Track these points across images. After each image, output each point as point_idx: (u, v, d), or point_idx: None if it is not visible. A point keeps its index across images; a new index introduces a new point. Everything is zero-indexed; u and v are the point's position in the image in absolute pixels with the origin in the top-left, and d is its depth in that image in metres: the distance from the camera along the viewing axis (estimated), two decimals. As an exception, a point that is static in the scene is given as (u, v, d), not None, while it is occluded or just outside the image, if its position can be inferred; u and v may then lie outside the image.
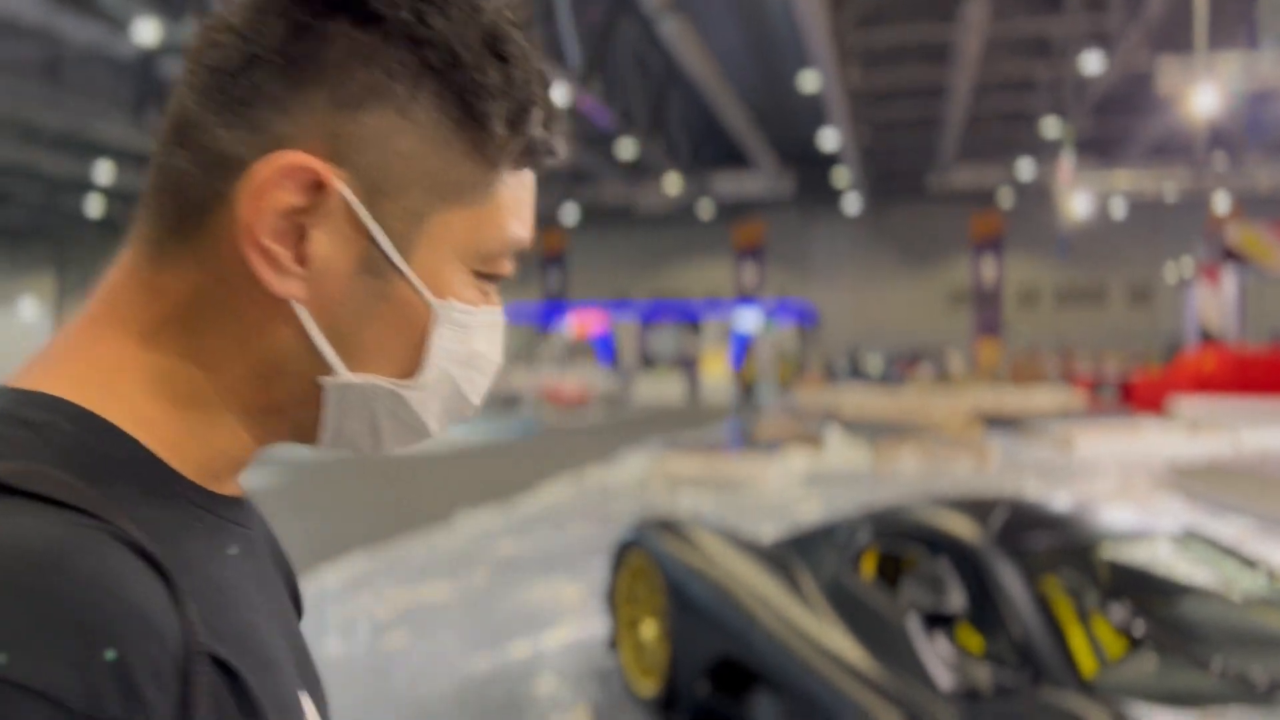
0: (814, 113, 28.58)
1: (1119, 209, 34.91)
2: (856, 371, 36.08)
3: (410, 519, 9.74)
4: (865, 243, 44.70)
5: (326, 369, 0.60)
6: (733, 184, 38.23)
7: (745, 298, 41.51)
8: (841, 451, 14.26)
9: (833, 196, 41.06)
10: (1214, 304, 28.19)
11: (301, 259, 0.57)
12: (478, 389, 0.66)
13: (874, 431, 15.55)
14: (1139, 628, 3.01)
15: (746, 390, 26.74)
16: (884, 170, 37.73)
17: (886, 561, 4.07)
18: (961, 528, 3.54)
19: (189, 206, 0.58)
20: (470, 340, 0.63)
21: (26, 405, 0.54)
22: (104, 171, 32.36)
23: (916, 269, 44.33)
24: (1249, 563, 3.54)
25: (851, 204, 40.63)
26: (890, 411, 20.70)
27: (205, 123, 0.57)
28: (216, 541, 0.58)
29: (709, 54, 22.44)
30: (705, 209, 41.54)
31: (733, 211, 43.93)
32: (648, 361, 40.57)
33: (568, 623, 6.08)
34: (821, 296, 44.88)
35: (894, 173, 38.16)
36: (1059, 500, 3.97)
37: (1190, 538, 3.56)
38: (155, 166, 0.60)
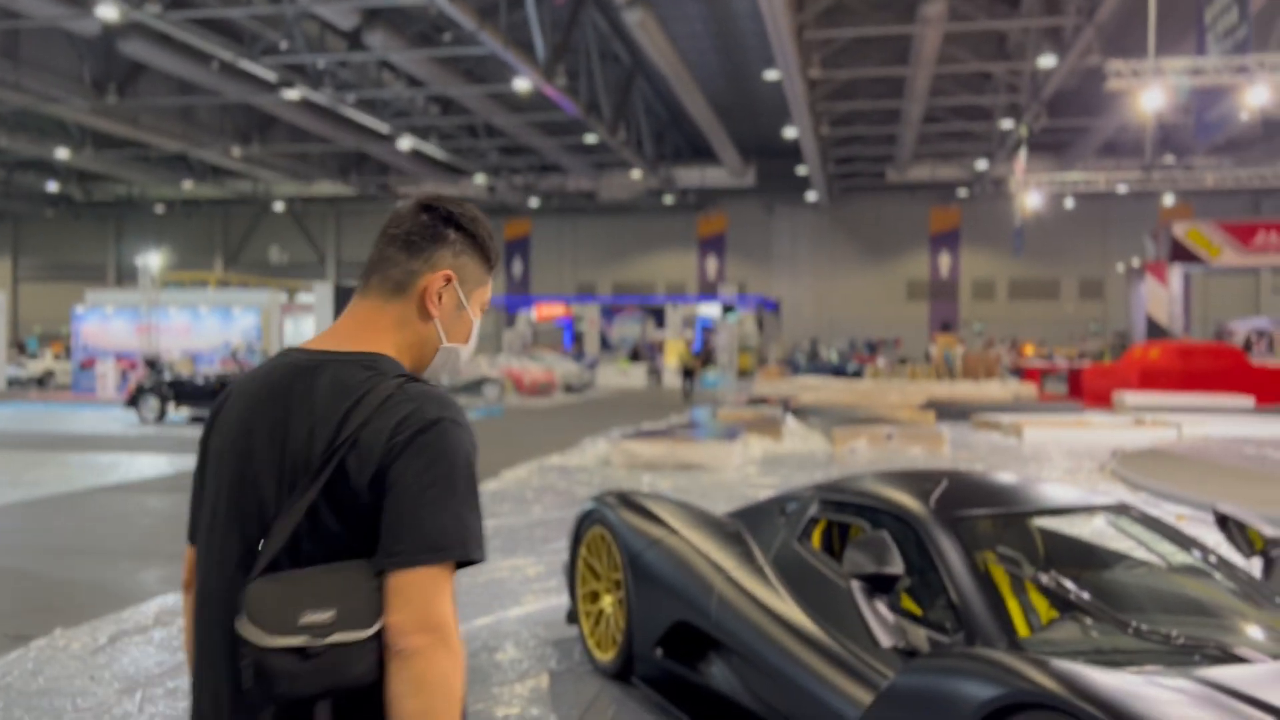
0: (776, 106, 28.88)
1: (1071, 205, 35.59)
2: (815, 361, 36.51)
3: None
4: (826, 235, 45.18)
5: (441, 342, 1.68)
6: (696, 175, 38.50)
7: (708, 293, 41.75)
8: (799, 437, 14.56)
9: (794, 189, 41.45)
10: (1162, 299, 28.90)
11: (438, 305, 1.65)
12: (465, 363, 1.77)
13: (831, 419, 15.87)
14: (1070, 594, 3.27)
15: (690, 376, 26.97)
16: (845, 164, 38.15)
17: (833, 532, 4.31)
18: (904, 499, 3.78)
19: (404, 283, 1.64)
20: (471, 345, 1.74)
21: (375, 359, 1.58)
22: (63, 151, 31.90)
23: (876, 261, 44.90)
24: (1176, 535, 3.81)
25: (812, 197, 41.04)
26: (847, 400, 21.08)
27: (399, 258, 1.65)
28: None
29: (673, 46, 22.62)
30: (669, 200, 41.74)
31: (696, 203, 44.21)
32: (611, 349, 40.73)
33: (529, 599, 6.27)
34: (782, 288, 45.32)
35: (854, 167, 38.60)
36: (998, 475, 4.22)
37: (1122, 512, 3.82)
38: (380, 266, 1.65)
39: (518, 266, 47.68)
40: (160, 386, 19.15)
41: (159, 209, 46.88)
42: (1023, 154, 28.74)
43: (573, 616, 5.18)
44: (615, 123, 28.54)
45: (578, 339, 41.92)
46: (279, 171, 36.92)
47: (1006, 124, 28.86)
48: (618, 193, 41.02)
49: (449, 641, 1.40)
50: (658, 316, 40.87)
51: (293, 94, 24.57)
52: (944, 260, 44.41)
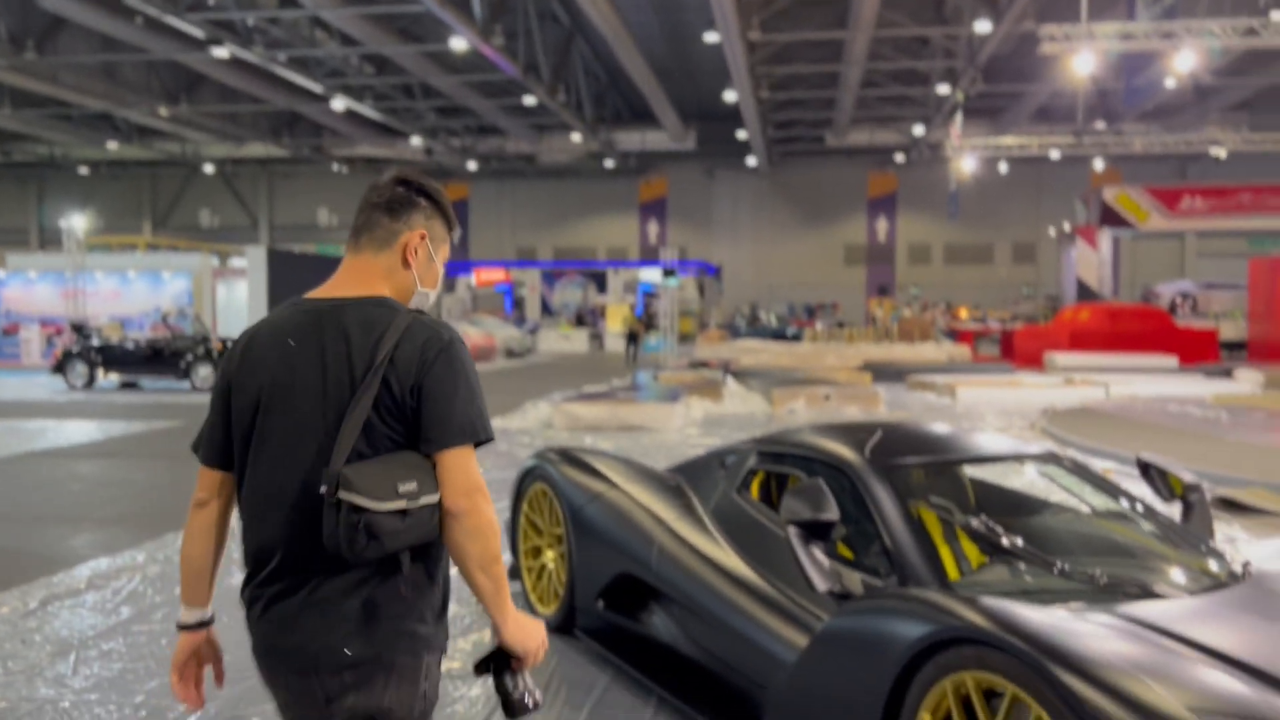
0: (716, 69, 28.80)
1: (1005, 170, 36.15)
2: (755, 325, 36.78)
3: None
4: (766, 200, 45.36)
5: (416, 287, 2.08)
6: (636, 139, 38.32)
7: (650, 258, 41.73)
8: (739, 399, 14.70)
9: (735, 153, 41.47)
10: (1092, 262, 29.57)
11: (415, 257, 2.06)
12: (430, 303, 2.12)
13: (770, 381, 16.03)
14: (1000, 538, 3.36)
15: (634, 341, 27.04)
16: (784, 128, 38.24)
17: (771, 483, 4.37)
18: (839, 449, 3.85)
19: (388, 240, 2.05)
20: (440, 285, 2.16)
21: (384, 300, 2.01)
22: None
23: (814, 226, 45.21)
24: (1102, 483, 3.93)
25: (753, 161, 41.12)
26: (786, 362, 21.29)
27: (385, 220, 2.06)
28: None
29: (612, 6, 22.40)
30: (610, 164, 41.52)
31: (637, 168, 44.04)
32: (552, 314, 40.59)
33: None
34: (723, 253, 45.46)
35: (794, 131, 38.71)
36: (931, 425, 4.31)
37: (1051, 460, 3.93)
38: (368, 228, 2.06)
39: (456, 230, 47.18)
40: (88, 352, 18.68)
41: (83, 170, 45.44)
42: (958, 119, 29.08)
43: (514, 572, 5.20)
44: (554, 84, 28.25)
45: (518, 304, 41.67)
46: (209, 132, 35.97)
47: (943, 89, 29.14)
48: (558, 156, 40.71)
49: (486, 496, 1.91)
50: (599, 281, 40.78)
51: (221, 52, 23.90)
52: (881, 225, 44.89)
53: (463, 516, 1.88)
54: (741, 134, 36.67)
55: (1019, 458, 3.90)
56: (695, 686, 3.79)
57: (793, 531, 3.33)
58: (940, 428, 4.24)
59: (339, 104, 30.06)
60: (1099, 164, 33.67)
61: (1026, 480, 4.16)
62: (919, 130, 35.46)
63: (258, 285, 24.34)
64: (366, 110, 31.40)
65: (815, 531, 3.32)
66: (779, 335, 32.27)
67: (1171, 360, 22.17)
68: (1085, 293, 29.49)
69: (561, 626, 4.67)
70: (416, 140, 36.94)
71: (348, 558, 1.82)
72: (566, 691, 4.11)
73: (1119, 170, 38.28)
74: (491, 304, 40.32)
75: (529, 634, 1.97)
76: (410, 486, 1.85)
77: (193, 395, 17.57)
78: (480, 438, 1.94)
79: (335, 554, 1.83)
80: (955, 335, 29.52)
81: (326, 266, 30.05)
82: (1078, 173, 39.94)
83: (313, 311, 2.00)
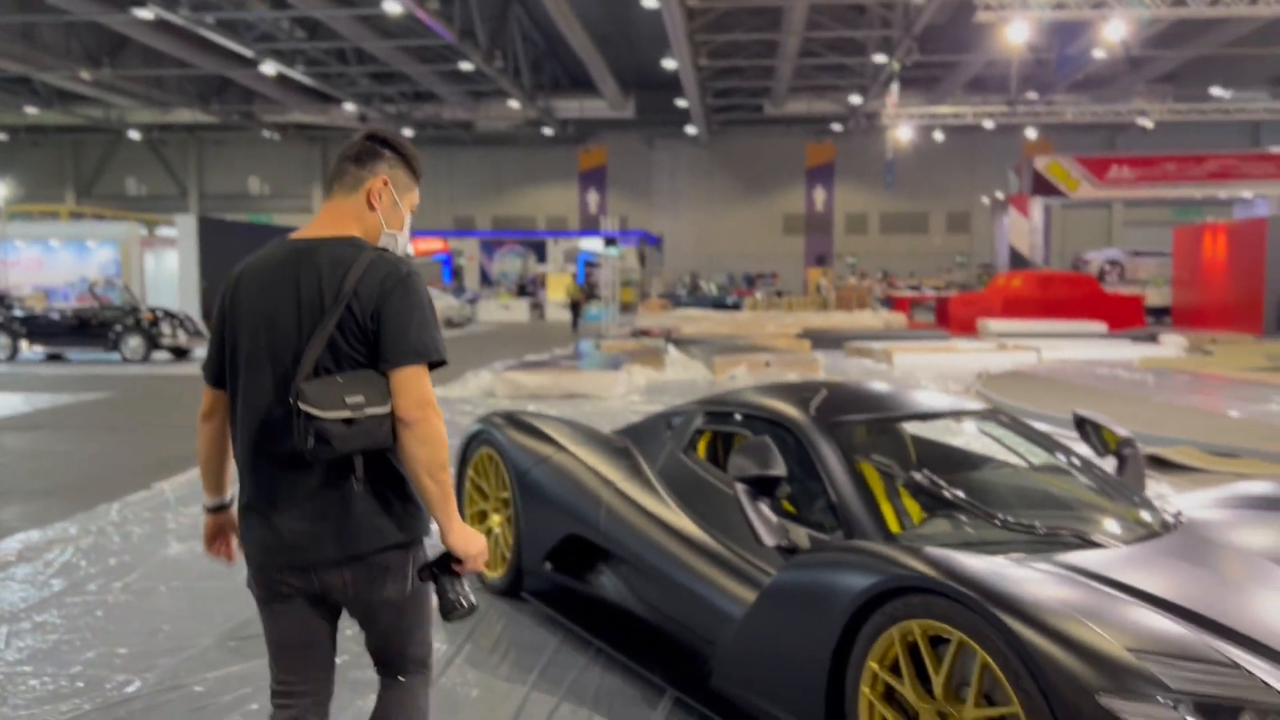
0: (655, 35, 28.64)
1: (941, 139, 36.57)
2: (696, 295, 36.90)
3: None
4: (705, 169, 45.36)
5: (383, 229, 2.35)
6: (575, 107, 38.00)
7: (590, 228, 41.54)
8: (681, 366, 14.75)
9: (674, 122, 41.35)
10: (1024, 230, 30.11)
11: (379, 201, 2.34)
12: (404, 247, 2.39)
13: (711, 348, 16.10)
14: (942, 491, 3.41)
15: (576, 310, 27.02)
16: (723, 97, 38.20)
17: (717, 443, 4.40)
18: (785, 408, 3.88)
19: (355, 185, 2.33)
20: (407, 237, 2.43)
21: (354, 240, 2.29)
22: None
23: (754, 196, 45.38)
24: (1039, 437, 4.01)
25: (692, 130, 41.05)
26: (727, 330, 21.41)
27: (352, 169, 2.34)
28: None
29: (550, -30, 22.11)
30: (548, 132, 41.14)
31: (576, 136, 43.71)
32: (491, 284, 40.26)
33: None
34: (663, 222, 45.43)
35: (733, 100, 38.70)
36: (874, 384, 4.36)
37: (989, 417, 4.00)
38: (338, 176, 2.35)
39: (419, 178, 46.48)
40: (10, 323, 18.10)
41: (0, 136, 43.81)
42: (895, 89, 29.31)
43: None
44: (491, 50, 27.86)
45: (457, 274, 41.25)
46: (134, 97, 34.87)
47: (879, 59, 29.33)
48: (495, 123, 40.23)
49: (436, 410, 2.18)
50: (539, 251, 40.51)
51: (145, 13, 23.12)
52: (819, 195, 45.19)
53: (414, 425, 2.15)
54: (681, 102, 36.57)
55: (959, 414, 3.96)
56: (644, 644, 3.81)
57: (740, 488, 3.35)
58: (882, 387, 4.29)
59: (270, 69, 29.33)
60: (1031, 133, 34.22)
61: (965, 438, 4.23)
62: (856, 100, 35.68)
63: (189, 255, 23.74)
64: (298, 75, 30.68)
65: (763, 488, 3.35)
66: (719, 304, 32.41)
67: (1100, 326, 22.73)
68: (1018, 260, 30.04)
69: (509, 590, 4.66)
70: (350, 106, 36.22)
71: (308, 458, 2.15)
72: (516, 654, 4.10)
73: (1050, 140, 38.94)
74: (429, 274, 39.86)
75: (469, 540, 2.22)
76: (358, 399, 2.14)
77: (124, 367, 17.13)
78: (432, 358, 2.21)
79: (302, 455, 2.14)
80: (892, 303, 29.91)
81: (260, 235, 29.47)
82: (1010, 142, 40.57)
83: (292, 249, 2.30)
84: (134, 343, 17.77)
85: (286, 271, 2.26)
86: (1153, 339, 20.76)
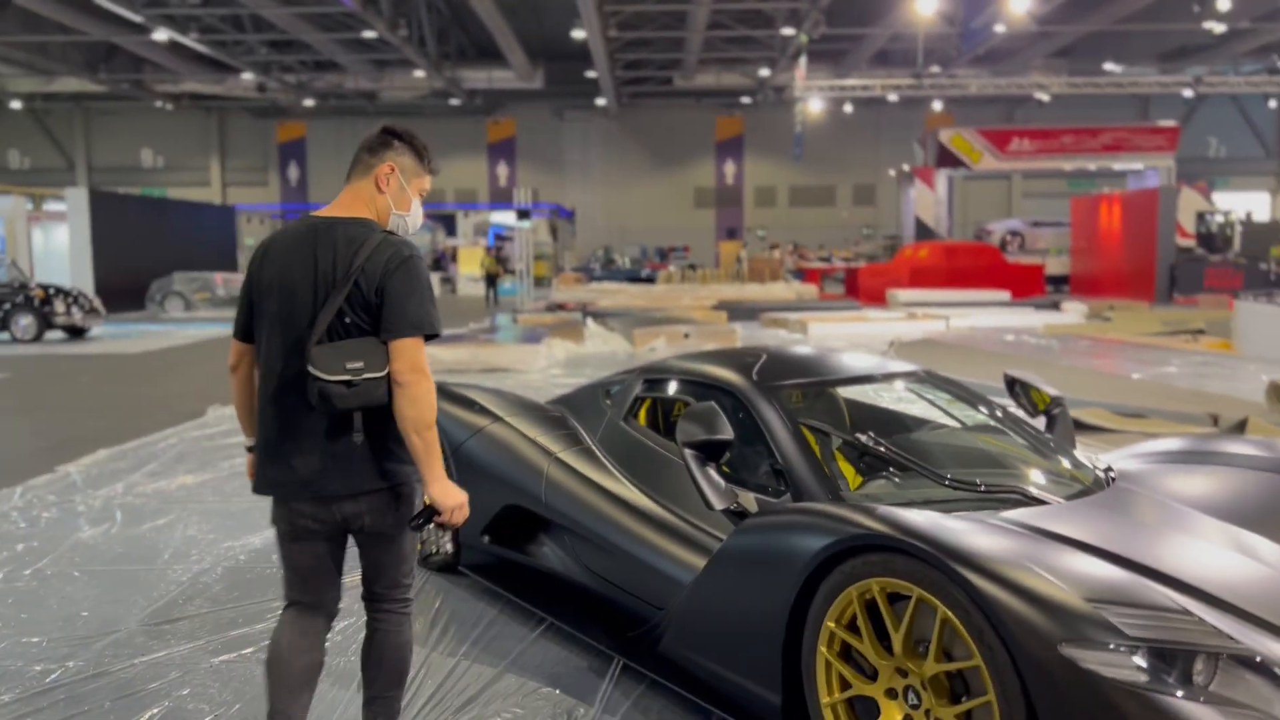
0: (564, 5, 28.29)
1: (847, 113, 37.05)
2: (610, 268, 36.82)
3: (161, 416, 9.28)
4: (616, 142, 45.16)
5: (392, 210, 2.69)
6: (483, 77, 37.39)
7: (500, 200, 41.04)
8: (600, 339, 14.70)
9: (584, 94, 41.03)
10: (929, 202, 30.75)
11: (387, 185, 2.67)
12: (414, 227, 2.77)
13: (630, 321, 16.08)
14: (885, 452, 3.44)
15: (493, 283, 26.73)
16: (633, 69, 38.04)
17: (657, 410, 4.37)
18: (727, 373, 3.87)
19: (366, 172, 2.68)
20: (416, 216, 2.76)
21: (366, 221, 2.63)
22: None
23: (665, 169, 45.37)
24: (973, 397, 4.07)
25: (602, 102, 40.79)
26: (643, 303, 21.42)
27: (365, 157, 2.69)
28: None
29: (457, -64, 21.63)
30: (455, 103, 40.42)
31: (484, 107, 43.05)
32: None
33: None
34: (574, 195, 45.13)
35: (643, 72, 38.57)
36: (810, 350, 4.38)
37: (923, 379, 4.05)
38: (354, 164, 2.70)
39: (294, 171, 45.20)
40: (-112, 304, 17.09)
41: None
42: (803, 62, 29.53)
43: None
44: (395, 18, 27.18)
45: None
46: (14, 65, 33.11)
47: (788, 31, 29.49)
48: (400, 94, 39.35)
49: (427, 376, 2.53)
50: (448, 224, 39.89)
51: (27, -25, 21.93)
52: (729, 168, 45.43)
53: (406, 387, 2.50)
54: (591, 74, 36.28)
55: (897, 376, 4.00)
56: (590, 614, 3.78)
57: (689, 453, 3.33)
58: (819, 351, 4.31)
59: (161, 35, 28.12)
60: (938, 105, 34.89)
61: (897, 401, 4.27)
62: (764, 73, 35.87)
63: (80, 229, 22.75)
64: (192, 43, 29.49)
65: (710, 452, 3.33)
66: (634, 277, 32.40)
67: (1004, 295, 23.39)
68: (923, 232, 30.68)
69: (446, 565, 4.58)
70: (248, 76, 35.03)
71: (318, 411, 2.53)
72: (456, 628, 4.03)
73: (952, 114, 39.78)
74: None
75: (449, 495, 2.57)
76: (357, 365, 2.50)
77: (15, 347, 16.34)
78: (426, 331, 2.57)
79: (312, 409, 2.53)
80: (803, 275, 30.29)
81: (156, 210, 28.37)
82: (913, 116, 41.34)
83: (312, 226, 2.63)
84: (25, 321, 16.97)
85: (306, 245, 2.60)
86: (1055, 306, 21.44)
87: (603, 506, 3.83)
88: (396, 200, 2.69)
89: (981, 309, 20.47)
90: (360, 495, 2.60)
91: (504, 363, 11.99)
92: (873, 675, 2.65)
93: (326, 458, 2.57)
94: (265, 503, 6.00)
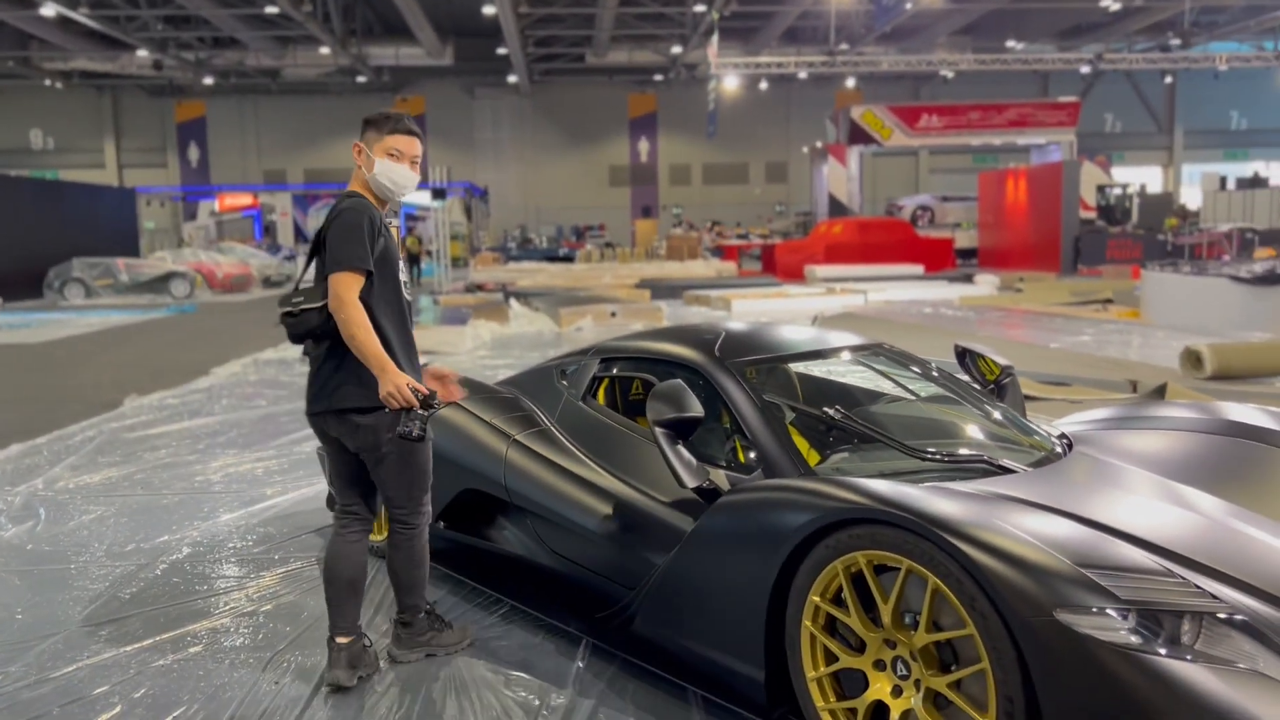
0: (475, -20, 27.81)
1: (760, 91, 37.28)
2: (526, 247, 36.50)
3: (75, 407, 8.89)
4: (529, 120, 44.70)
5: (369, 177, 3.29)
6: (390, 54, 36.60)
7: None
8: (525, 319, 14.56)
9: (495, 71, 40.48)
10: (842, 178, 31.17)
11: (360, 159, 3.30)
12: (397, 186, 3.31)
13: (554, 300, 15.96)
14: (853, 425, 3.44)
15: (415, 264, 26.29)
16: (544, 45, 37.65)
17: (615, 390, 4.33)
18: (688, 350, 3.84)
19: (355, 157, 3.35)
20: (387, 171, 3.27)
21: (350, 192, 3.32)
22: None
23: (579, 147, 45.09)
24: (928, 369, 4.10)
25: (513, 79, 40.29)
26: (564, 283, 21.29)
27: (362, 137, 3.34)
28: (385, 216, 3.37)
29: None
30: (361, 80, 39.47)
31: (392, 85, 42.16)
32: (307, 240, 38.52)
33: (273, 491, 5.91)
34: (487, 174, 44.58)
35: (554, 49, 38.21)
36: (766, 326, 4.38)
37: (879, 351, 4.07)
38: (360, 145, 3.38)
39: (194, 152, 43.70)
40: None
41: None
42: (714, 39, 29.59)
43: (334, 502, 4.92)
44: (301, -7, 26.40)
45: (268, 230, 39.29)
46: (-113, 41, 31.29)
47: (699, 8, 29.50)
48: (304, 71, 38.29)
49: (345, 302, 3.07)
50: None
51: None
52: (643, 146, 45.38)
53: (335, 313, 3.10)
54: (502, 50, 35.80)
55: (856, 349, 4.02)
56: (557, 597, 3.73)
57: (659, 432, 3.30)
58: (775, 327, 4.31)
59: (49, 10, 26.84)
60: (850, 83, 35.32)
61: (855, 376, 4.28)
62: (676, 50, 35.87)
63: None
64: (82, 18, 28.21)
65: (681, 430, 3.30)
66: (551, 256, 32.20)
67: (917, 268, 23.87)
68: (837, 208, 31.11)
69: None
70: (143, 53, 33.66)
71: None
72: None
73: (860, 91, 40.36)
74: (240, 230, 37.79)
75: (385, 385, 3.04)
76: (299, 300, 3.20)
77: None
78: (343, 267, 3.09)
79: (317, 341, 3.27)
80: (721, 252, 30.47)
81: (51, 193, 27.10)
82: (823, 94, 41.81)
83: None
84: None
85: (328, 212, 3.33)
86: (968, 279, 21.96)
87: (567, 488, 3.78)
88: (367, 167, 3.25)
89: (897, 283, 20.86)
90: (326, 415, 3.22)
91: (430, 345, 11.78)
92: (859, 648, 2.67)
93: (309, 380, 3.29)
94: (201, 495, 5.84)
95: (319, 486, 5.86)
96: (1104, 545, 2.49)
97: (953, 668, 2.48)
